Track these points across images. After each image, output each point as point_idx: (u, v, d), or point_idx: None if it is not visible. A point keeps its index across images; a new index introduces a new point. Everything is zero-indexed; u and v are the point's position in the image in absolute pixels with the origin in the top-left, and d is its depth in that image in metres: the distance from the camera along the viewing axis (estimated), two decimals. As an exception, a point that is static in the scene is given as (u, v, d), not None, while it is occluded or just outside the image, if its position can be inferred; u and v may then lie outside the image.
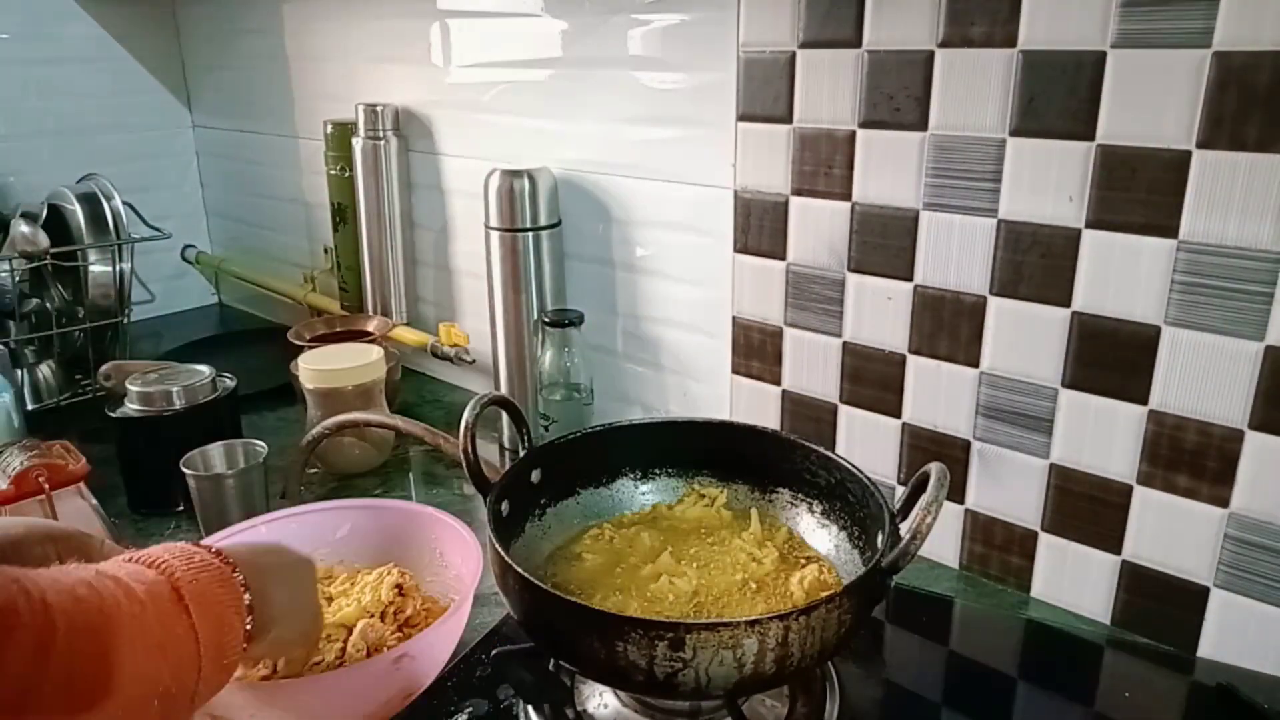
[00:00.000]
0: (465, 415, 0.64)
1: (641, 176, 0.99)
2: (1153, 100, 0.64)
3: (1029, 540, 0.78)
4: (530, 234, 1.00)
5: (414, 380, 1.32)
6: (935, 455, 0.82)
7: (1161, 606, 0.72)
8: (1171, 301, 0.66)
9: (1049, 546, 0.77)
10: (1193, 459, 0.68)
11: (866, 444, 0.86)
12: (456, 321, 1.21)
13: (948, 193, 0.75)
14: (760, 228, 0.89)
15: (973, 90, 0.72)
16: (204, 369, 0.99)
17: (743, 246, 0.91)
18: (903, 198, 0.78)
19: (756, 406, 0.94)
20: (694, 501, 0.75)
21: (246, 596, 0.52)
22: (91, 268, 1.22)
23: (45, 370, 1.24)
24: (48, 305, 1.23)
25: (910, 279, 0.79)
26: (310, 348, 1.09)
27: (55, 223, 1.21)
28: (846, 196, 0.81)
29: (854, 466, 0.67)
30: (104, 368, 1.05)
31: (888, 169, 0.78)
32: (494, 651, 0.62)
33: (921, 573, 0.83)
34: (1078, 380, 0.72)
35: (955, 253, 0.76)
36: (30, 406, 1.18)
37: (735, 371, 0.95)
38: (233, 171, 1.65)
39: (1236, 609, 0.68)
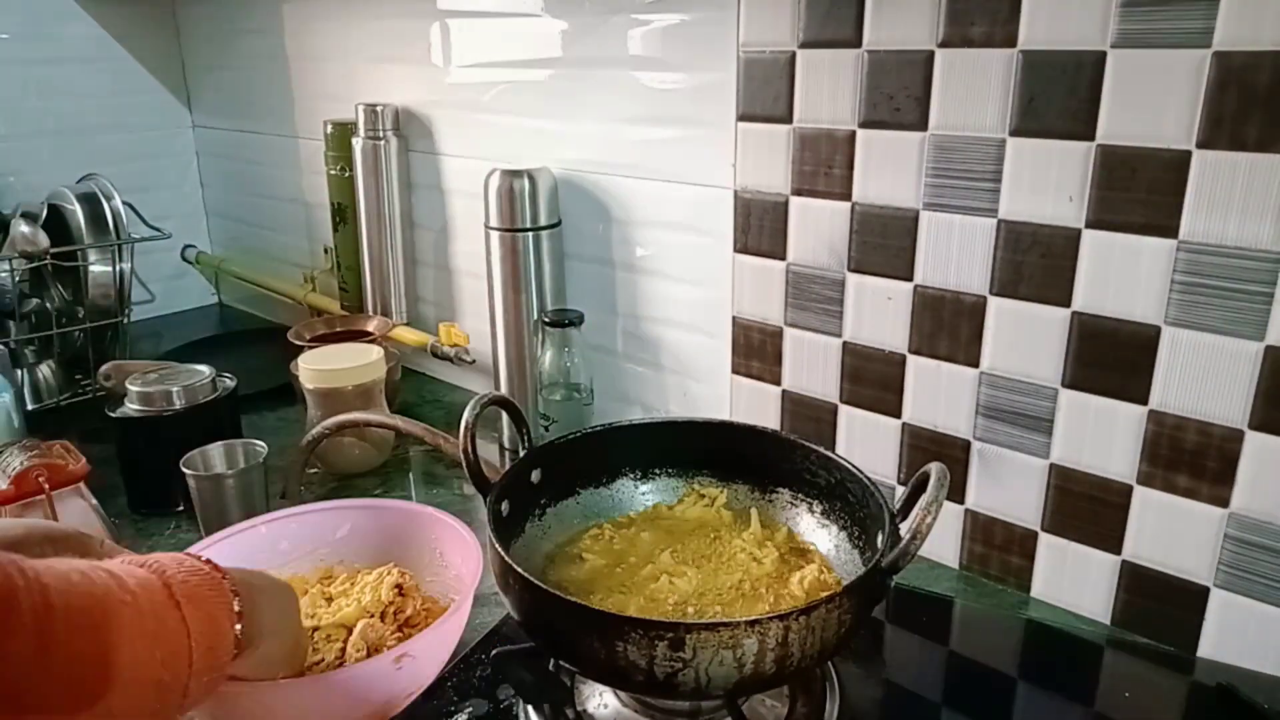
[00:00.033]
0: (465, 415, 0.64)
1: (641, 176, 0.99)
2: (1153, 100, 0.64)
3: (1029, 540, 0.78)
4: (530, 234, 1.00)
5: (414, 380, 1.32)
6: (935, 455, 0.82)
7: (1161, 606, 0.72)
8: (1171, 301, 0.66)
9: (1049, 546, 0.77)
10: (1193, 459, 0.68)
11: (866, 444, 0.86)
12: (456, 321, 1.21)
13: (948, 193, 0.75)
14: (760, 228, 0.89)
15: (973, 90, 0.72)
16: (204, 369, 0.99)
17: (743, 246, 0.91)
18: (903, 198, 0.78)
19: (756, 406, 0.94)
20: (694, 501, 0.75)
21: (236, 603, 0.53)
22: (91, 268, 1.22)
23: (45, 370, 1.24)
24: (48, 305, 1.23)
25: (910, 279, 0.79)
26: (310, 348, 1.09)
27: (55, 223, 1.21)
28: (846, 196, 0.81)
29: (854, 466, 0.67)
30: (104, 368, 1.05)
31: (888, 169, 0.78)
32: (494, 651, 0.62)
33: (921, 573, 0.83)
34: (1078, 380, 0.72)
35: (955, 253, 0.76)
36: (30, 406, 1.18)
37: (735, 371, 0.95)
38: (233, 171, 1.65)
39: (1236, 609, 0.68)
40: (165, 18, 1.61)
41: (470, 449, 0.64)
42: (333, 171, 1.29)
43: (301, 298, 1.48)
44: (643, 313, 1.03)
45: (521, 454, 0.71)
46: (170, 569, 0.50)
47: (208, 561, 0.53)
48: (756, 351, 0.93)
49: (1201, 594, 0.70)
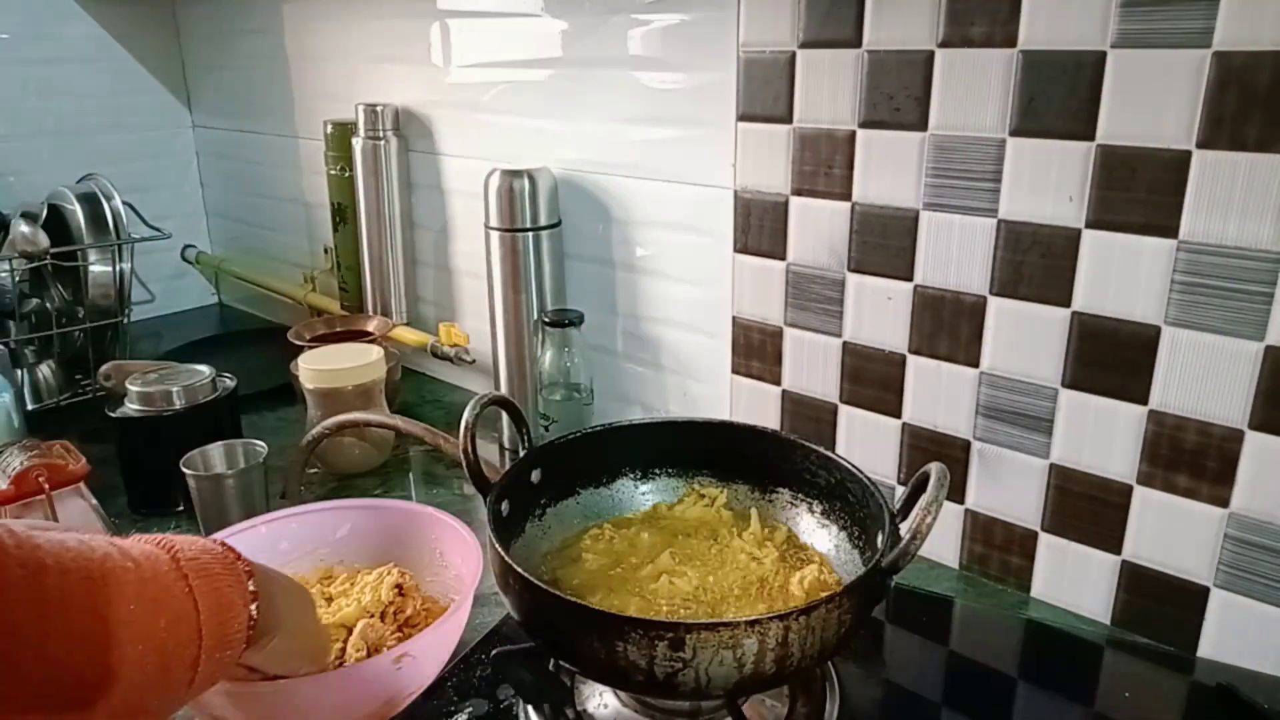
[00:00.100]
0: (465, 415, 0.64)
1: (641, 176, 0.99)
2: (1153, 100, 0.64)
3: (1029, 540, 0.78)
4: (530, 234, 1.00)
5: (414, 380, 1.32)
6: (935, 455, 0.82)
7: (1161, 606, 0.72)
8: (1171, 301, 0.66)
9: (1049, 546, 0.77)
10: (1193, 459, 0.68)
11: (866, 444, 0.86)
12: (456, 321, 1.21)
13: (948, 193, 0.75)
14: (760, 228, 0.89)
15: (973, 90, 0.72)
16: (204, 369, 0.99)
17: (743, 246, 0.91)
18: (903, 198, 0.78)
19: (756, 406, 0.94)
20: (694, 501, 0.75)
21: (251, 584, 0.52)
22: (91, 268, 1.22)
23: (45, 370, 1.24)
24: (48, 305, 1.23)
25: (910, 279, 0.79)
26: (310, 348, 1.09)
27: (55, 223, 1.21)
28: (846, 196, 0.81)
29: (854, 466, 0.67)
30: (104, 368, 1.05)
31: (888, 169, 0.78)
32: (494, 651, 0.62)
33: (921, 573, 0.83)
34: (1078, 380, 0.72)
35: (955, 253, 0.76)
36: (30, 406, 1.18)
37: (735, 371, 0.95)
38: (233, 171, 1.65)
39: (1236, 609, 0.68)
40: (165, 18, 1.61)
41: (470, 449, 0.64)
42: (333, 171, 1.29)
43: (301, 298, 1.48)
44: (643, 313, 1.03)
45: (521, 454, 0.71)
46: (179, 544, 0.49)
47: (222, 544, 0.53)
48: (756, 351, 0.93)
49: (1201, 594, 0.70)
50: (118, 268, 1.24)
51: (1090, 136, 0.67)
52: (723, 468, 0.76)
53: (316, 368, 1.00)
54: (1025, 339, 0.74)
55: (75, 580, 0.42)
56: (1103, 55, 0.65)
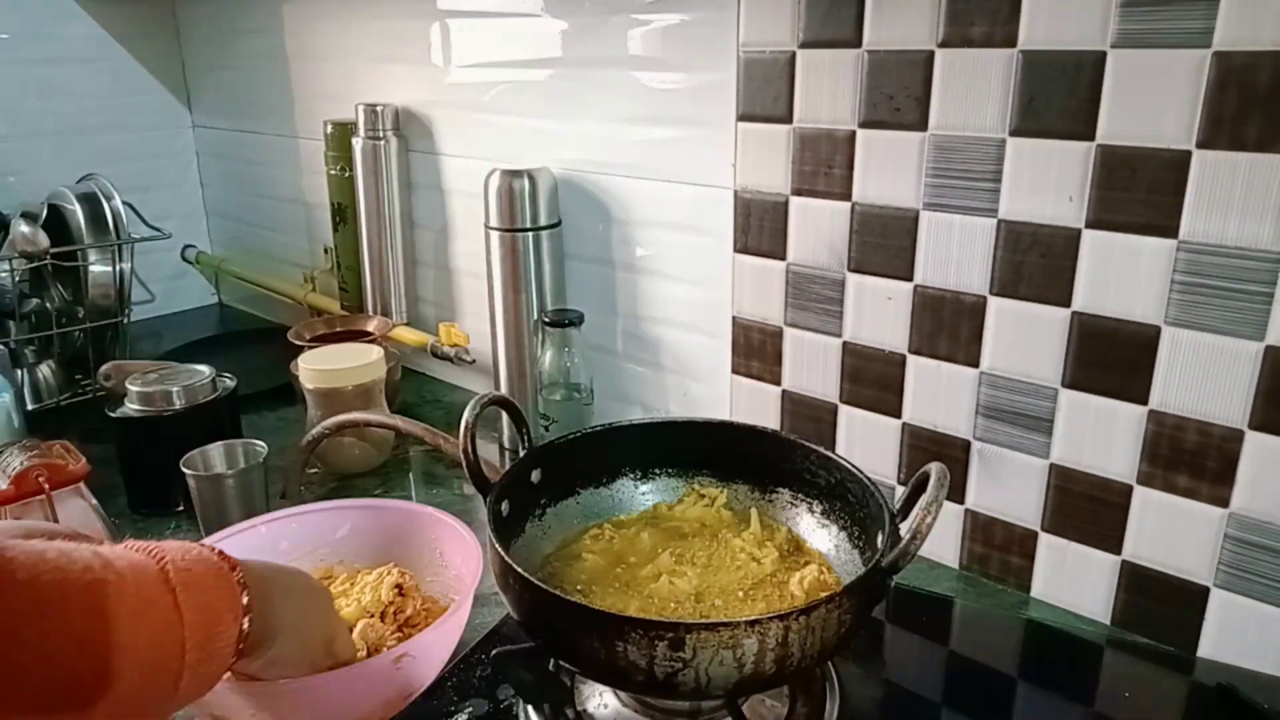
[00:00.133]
0: (465, 415, 0.64)
1: (641, 176, 0.99)
2: (1153, 100, 0.64)
3: (1029, 540, 0.78)
4: (530, 234, 1.00)
5: (414, 380, 1.32)
6: (935, 455, 0.82)
7: (1161, 606, 0.72)
8: (1171, 301, 0.66)
9: (1049, 546, 0.77)
10: (1193, 459, 0.68)
11: (866, 444, 0.86)
12: (456, 321, 1.21)
13: (948, 193, 0.75)
14: (760, 228, 0.89)
15: (973, 90, 0.72)
16: (204, 369, 0.99)
17: (743, 246, 0.91)
18: (903, 198, 0.78)
19: (756, 406, 0.94)
20: (694, 501, 0.75)
21: (245, 597, 0.51)
22: (91, 268, 1.22)
23: (45, 370, 1.24)
24: (48, 305, 1.23)
25: (910, 279, 0.79)
26: (310, 348, 1.09)
27: (55, 223, 1.21)
28: (846, 196, 0.81)
29: (854, 466, 0.67)
30: (104, 368, 1.05)
31: (888, 169, 0.78)
32: (494, 651, 0.62)
33: (921, 573, 0.83)
34: (1078, 380, 0.72)
35: (955, 253, 0.76)
36: (30, 406, 1.18)
37: (735, 371, 0.95)
38: (233, 171, 1.65)
39: (1236, 609, 0.68)
40: (165, 18, 1.61)
41: (470, 449, 0.64)
42: (333, 171, 1.29)
43: (301, 298, 1.48)
44: (643, 313, 1.03)
45: (521, 454, 0.71)
46: (170, 553, 0.48)
47: (220, 553, 0.52)
48: (756, 351, 0.93)
49: (1201, 594, 0.70)
50: (118, 268, 1.24)
51: (1090, 136, 0.67)
52: (723, 468, 0.76)
53: (316, 368, 1.00)
54: (1025, 339, 0.74)
55: (49, 594, 0.41)
56: (1103, 55, 0.65)
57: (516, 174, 0.99)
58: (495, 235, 1.01)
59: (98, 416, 0.96)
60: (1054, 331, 0.72)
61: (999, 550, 0.81)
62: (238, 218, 1.68)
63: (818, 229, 0.84)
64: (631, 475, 0.76)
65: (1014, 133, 0.70)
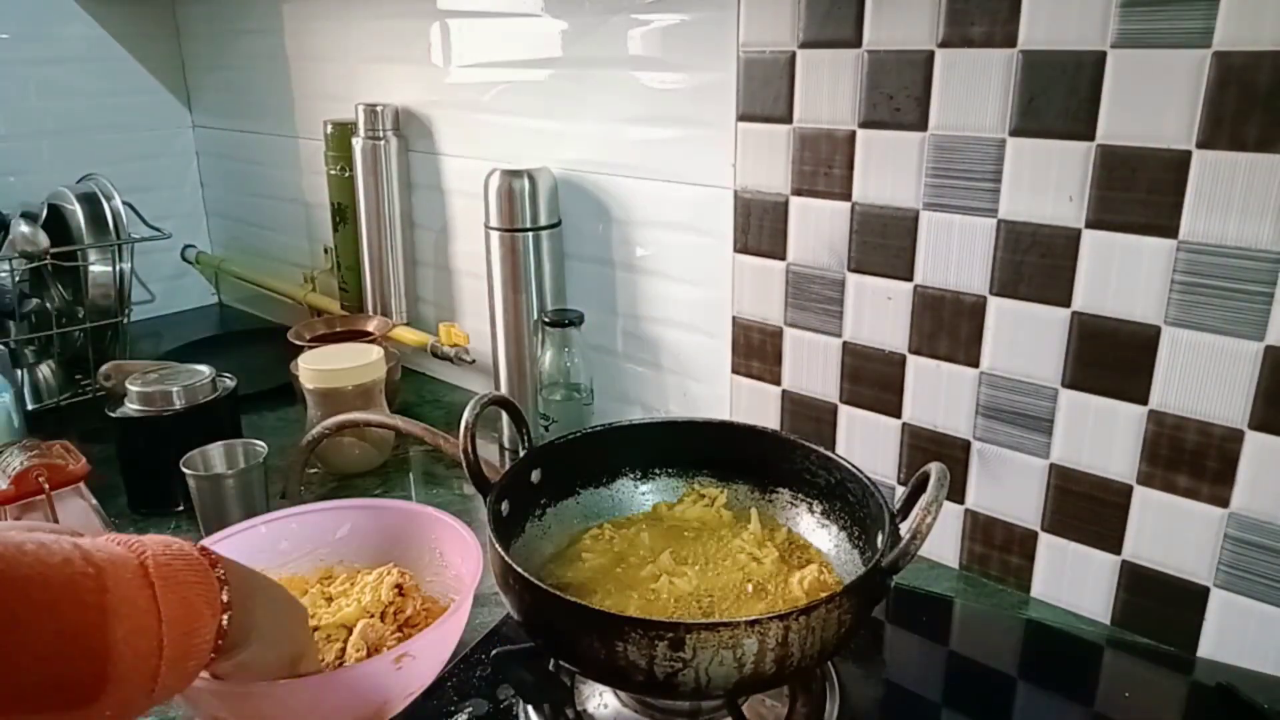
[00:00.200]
0: (465, 415, 0.64)
1: (641, 176, 0.99)
2: (1153, 100, 0.64)
3: (1029, 540, 0.78)
4: (530, 234, 1.00)
5: (414, 380, 1.32)
6: (935, 455, 0.82)
7: (1161, 606, 0.72)
8: (1171, 301, 0.66)
9: (1049, 546, 0.77)
10: (1193, 459, 0.68)
11: (866, 444, 0.86)
12: (456, 321, 1.21)
13: (948, 193, 0.75)
14: (760, 228, 0.89)
15: (973, 90, 0.72)
16: (204, 369, 0.99)
17: (743, 246, 0.91)
18: (903, 198, 0.78)
19: (756, 406, 0.94)
20: (694, 501, 0.75)
21: (224, 594, 0.50)
22: (91, 268, 1.22)
23: (45, 370, 1.24)
24: (48, 305, 1.23)
25: (910, 279, 0.79)
26: (310, 348, 1.09)
27: (55, 223, 1.21)
28: (846, 196, 0.81)
29: (854, 466, 0.67)
30: (104, 368, 1.05)
31: (888, 169, 0.78)
32: (494, 651, 0.62)
33: (921, 573, 0.83)
34: (1078, 380, 0.72)
35: (955, 253, 0.76)
36: (30, 406, 1.18)
37: (735, 371, 0.95)
38: (233, 171, 1.65)
39: (1236, 609, 0.68)
40: (165, 18, 1.61)
41: (470, 449, 0.64)
42: (333, 171, 1.29)
43: (301, 298, 1.48)
44: (643, 313, 1.03)
45: (521, 454, 0.71)
46: (151, 548, 0.48)
47: (201, 549, 0.51)
48: (756, 351, 0.93)
49: (1201, 594, 0.70)
50: (118, 268, 1.24)
51: (1090, 136, 0.67)
52: (723, 468, 0.76)
53: (316, 368, 1.00)
54: (1025, 339, 0.74)
55: (19, 589, 0.41)
56: (1103, 55, 0.65)
57: (516, 174, 0.99)
58: (495, 235, 1.01)
59: (98, 416, 0.96)
60: (1054, 331, 0.72)
61: (999, 550, 0.81)
62: (238, 218, 1.68)
63: (818, 229, 0.84)
64: (631, 475, 0.76)
65: (1014, 133, 0.70)
